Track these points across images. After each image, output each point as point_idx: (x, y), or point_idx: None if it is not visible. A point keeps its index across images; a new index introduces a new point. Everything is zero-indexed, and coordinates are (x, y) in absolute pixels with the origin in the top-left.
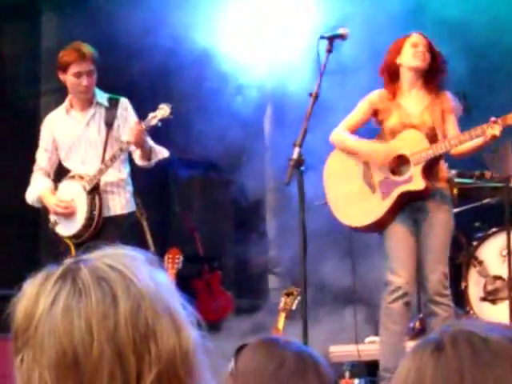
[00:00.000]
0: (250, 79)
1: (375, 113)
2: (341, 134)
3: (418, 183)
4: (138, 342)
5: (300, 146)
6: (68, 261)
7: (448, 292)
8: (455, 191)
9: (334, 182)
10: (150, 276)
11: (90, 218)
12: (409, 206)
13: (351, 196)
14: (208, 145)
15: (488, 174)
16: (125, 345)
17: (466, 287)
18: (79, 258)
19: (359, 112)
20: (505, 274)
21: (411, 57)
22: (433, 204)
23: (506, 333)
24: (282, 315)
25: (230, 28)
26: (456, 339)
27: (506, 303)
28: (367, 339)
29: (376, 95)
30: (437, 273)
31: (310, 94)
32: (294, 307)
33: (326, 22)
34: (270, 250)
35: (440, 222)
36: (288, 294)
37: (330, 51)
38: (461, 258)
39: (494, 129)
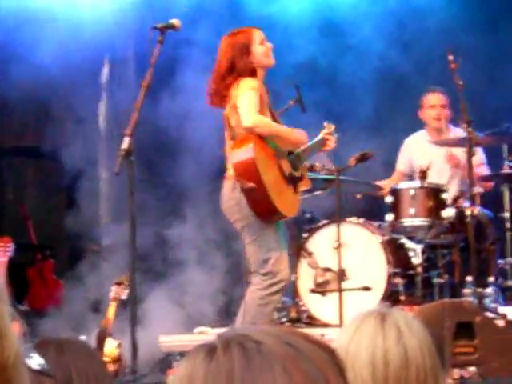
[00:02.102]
0: (85, 69)
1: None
2: (264, 118)
3: (307, 183)
4: None
5: (131, 136)
6: None
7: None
8: None
9: (264, 167)
10: None
11: None
12: None
13: (278, 184)
14: (42, 132)
15: (318, 166)
16: None
17: (297, 279)
18: None
19: (256, 99)
20: (334, 266)
21: (264, 55)
22: None
23: (283, 336)
24: (113, 304)
25: None
26: (229, 343)
27: (336, 295)
28: (197, 329)
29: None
30: None
31: (142, 85)
32: (124, 297)
33: None
34: (103, 239)
35: None
36: (119, 284)
37: (161, 42)
38: (291, 250)
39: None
